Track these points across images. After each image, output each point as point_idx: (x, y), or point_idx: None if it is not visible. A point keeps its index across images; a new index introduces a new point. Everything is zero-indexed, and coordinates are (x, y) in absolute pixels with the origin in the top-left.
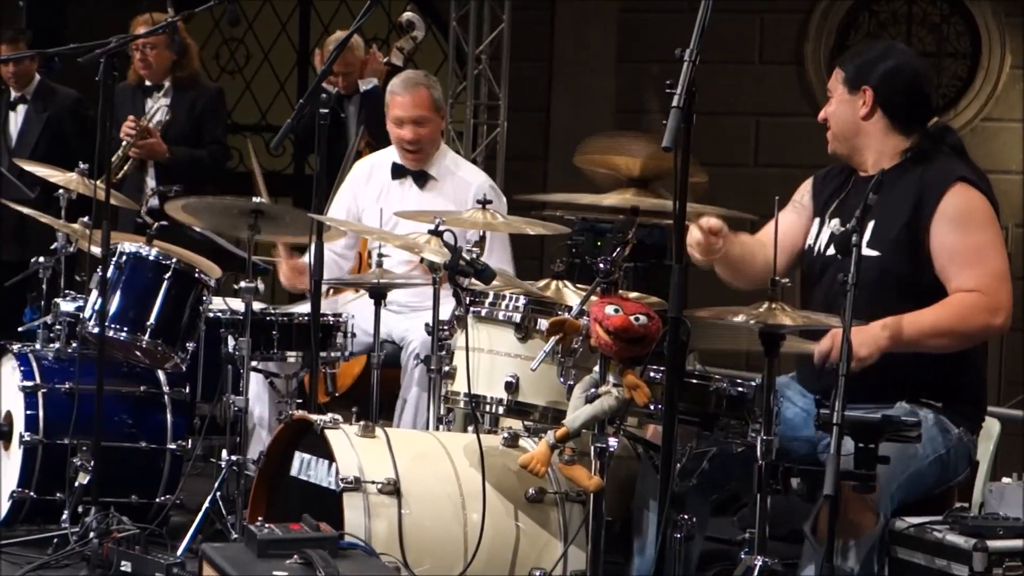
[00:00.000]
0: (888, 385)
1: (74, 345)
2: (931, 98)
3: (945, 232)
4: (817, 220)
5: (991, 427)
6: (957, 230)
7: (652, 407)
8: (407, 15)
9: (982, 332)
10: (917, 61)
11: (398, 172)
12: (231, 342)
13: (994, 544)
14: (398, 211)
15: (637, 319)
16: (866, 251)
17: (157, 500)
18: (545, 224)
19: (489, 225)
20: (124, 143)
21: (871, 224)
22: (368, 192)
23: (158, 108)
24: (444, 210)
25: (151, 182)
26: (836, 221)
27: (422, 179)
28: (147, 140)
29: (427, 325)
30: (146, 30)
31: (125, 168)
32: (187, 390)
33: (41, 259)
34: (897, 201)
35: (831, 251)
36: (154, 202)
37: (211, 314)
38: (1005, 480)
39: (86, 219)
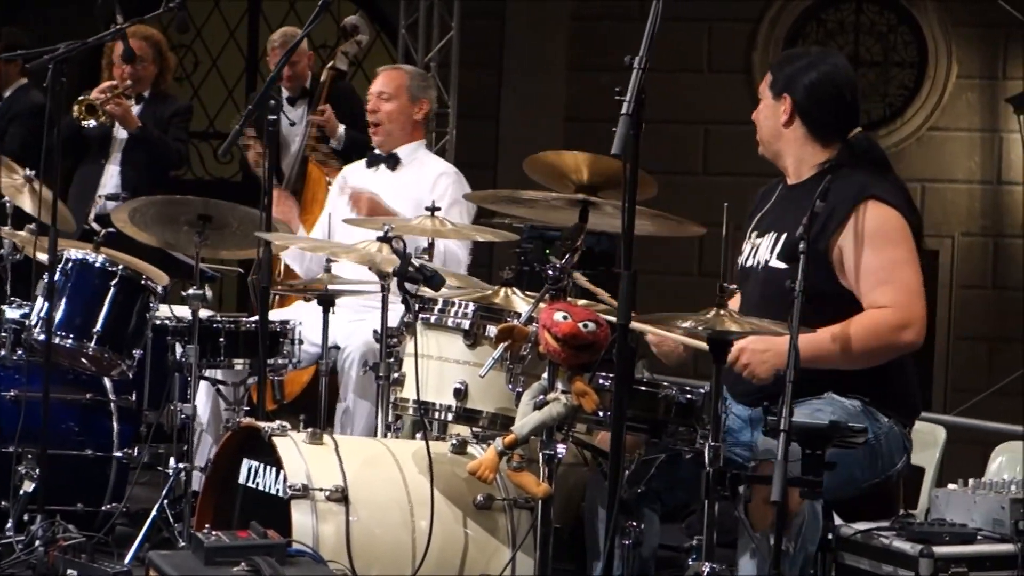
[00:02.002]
0: (815, 380)
1: (19, 352)
2: (853, 112)
3: (857, 250)
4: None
5: (937, 434)
6: (868, 248)
7: (600, 414)
8: (351, 19)
9: (893, 348)
10: (842, 73)
11: (373, 160)
12: (178, 349)
13: (940, 550)
14: (346, 218)
15: (586, 326)
16: (774, 263)
17: (103, 508)
18: (494, 231)
19: (438, 232)
20: (99, 99)
21: (781, 237)
22: (342, 200)
23: None
24: (409, 194)
25: (112, 176)
26: (755, 233)
27: (392, 162)
28: (124, 103)
29: (375, 332)
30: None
31: (99, 119)
32: (134, 398)
33: None
34: (796, 213)
35: (750, 262)
36: (102, 208)
37: (158, 321)
38: (951, 486)
39: (32, 225)
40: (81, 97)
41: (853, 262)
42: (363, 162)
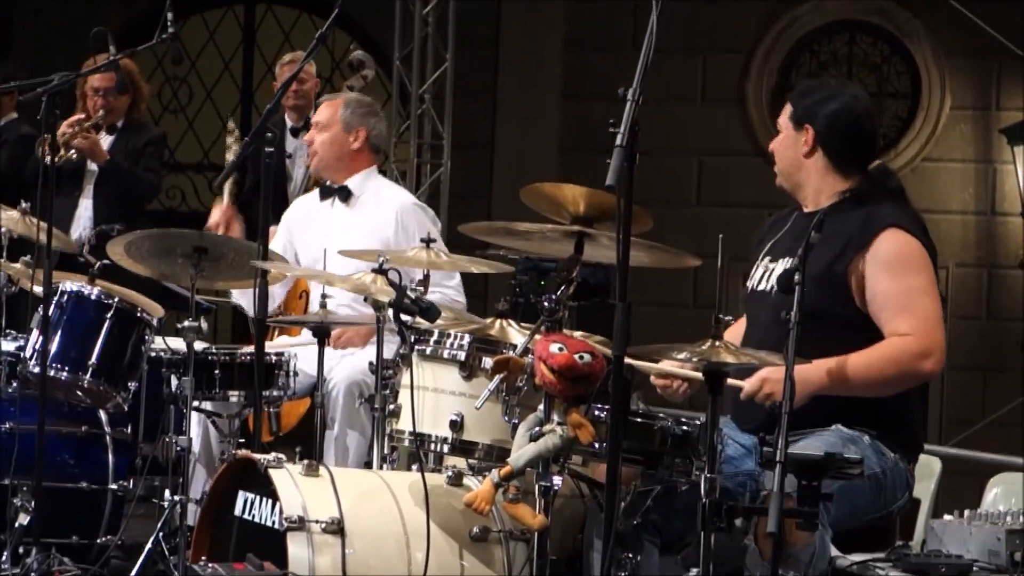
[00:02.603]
0: (823, 412)
1: (14, 385)
2: (873, 142)
3: (879, 278)
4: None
5: (932, 465)
6: (890, 275)
7: (596, 446)
8: (358, 53)
9: (914, 376)
10: (863, 104)
11: (325, 193)
12: (173, 381)
13: None
14: (342, 250)
15: (582, 357)
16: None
17: (99, 541)
18: (489, 263)
19: (433, 264)
20: (67, 133)
21: (785, 261)
22: (305, 232)
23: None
24: (361, 226)
25: (85, 209)
26: (768, 258)
27: (344, 194)
28: (91, 136)
29: (370, 363)
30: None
31: (65, 155)
32: (129, 430)
33: None
34: (827, 240)
35: (762, 286)
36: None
37: (153, 353)
38: (947, 517)
39: (27, 258)
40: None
41: (873, 289)
42: (315, 194)
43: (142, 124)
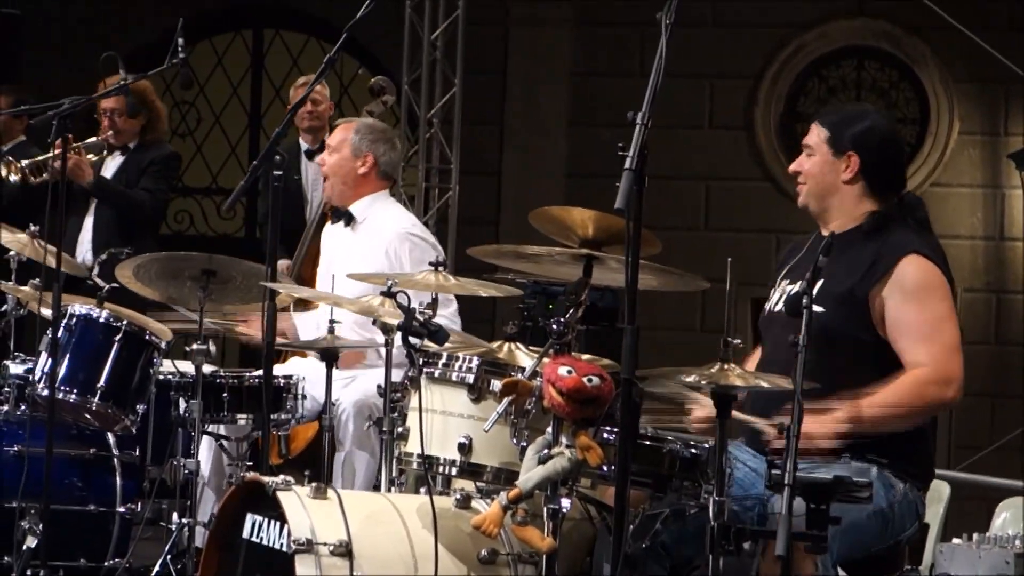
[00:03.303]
0: None
1: (23, 407)
2: (905, 168)
3: (899, 304)
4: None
5: (941, 490)
6: (911, 303)
7: (605, 468)
8: (379, 79)
9: (936, 406)
10: (896, 129)
11: (335, 216)
12: (182, 404)
13: None
14: (351, 273)
15: (590, 380)
16: (814, 308)
17: (106, 564)
18: (497, 286)
19: (442, 287)
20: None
21: (820, 281)
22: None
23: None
24: (362, 251)
25: (87, 231)
26: (786, 281)
27: (348, 219)
28: (74, 156)
29: (379, 386)
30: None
31: (41, 176)
32: (137, 453)
33: None
34: (850, 261)
35: (778, 307)
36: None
37: (161, 376)
38: (956, 541)
39: (36, 281)
40: (9, 158)
41: (893, 316)
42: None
43: (154, 144)
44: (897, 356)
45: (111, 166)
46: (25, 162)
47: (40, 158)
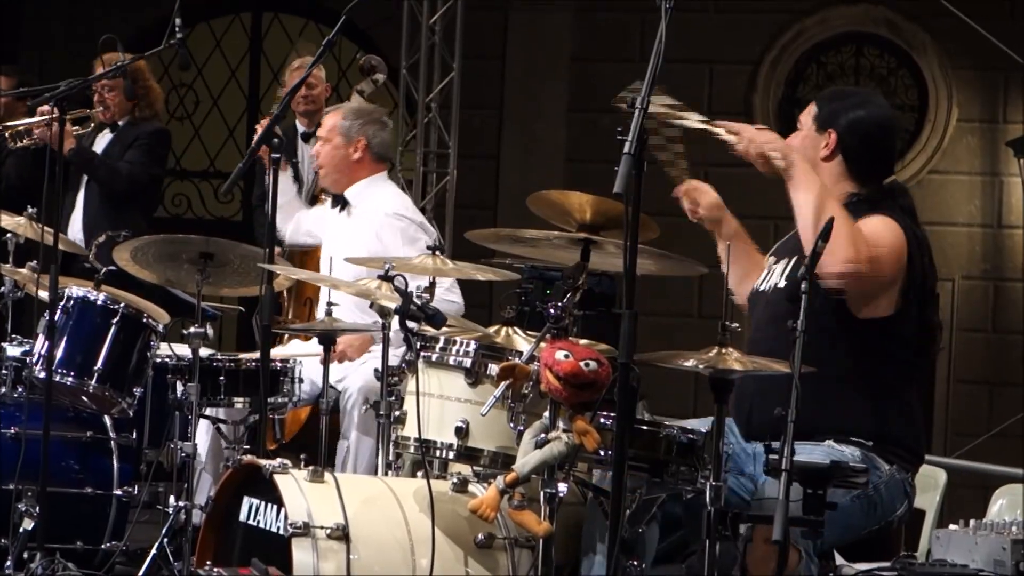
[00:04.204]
0: (816, 425)
1: (20, 390)
2: (892, 156)
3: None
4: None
5: (938, 477)
6: (865, 226)
7: (602, 453)
8: (370, 57)
9: (840, 253)
10: (889, 117)
11: (334, 200)
12: (179, 387)
13: None
14: (348, 257)
15: (587, 364)
16: (782, 282)
17: (103, 546)
18: (495, 271)
19: (439, 271)
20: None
21: (793, 260)
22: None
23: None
24: (355, 235)
25: (78, 209)
26: (772, 259)
27: (343, 204)
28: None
29: (376, 370)
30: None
31: (21, 142)
32: (134, 436)
33: None
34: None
35: (763, 287)
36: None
37: (159, 359)
38: (952, 527)
39: (34, 263)
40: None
41: None
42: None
43: (144, 122)
44: (873, 343)
45: (101, 143)
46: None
47: (21, 123)
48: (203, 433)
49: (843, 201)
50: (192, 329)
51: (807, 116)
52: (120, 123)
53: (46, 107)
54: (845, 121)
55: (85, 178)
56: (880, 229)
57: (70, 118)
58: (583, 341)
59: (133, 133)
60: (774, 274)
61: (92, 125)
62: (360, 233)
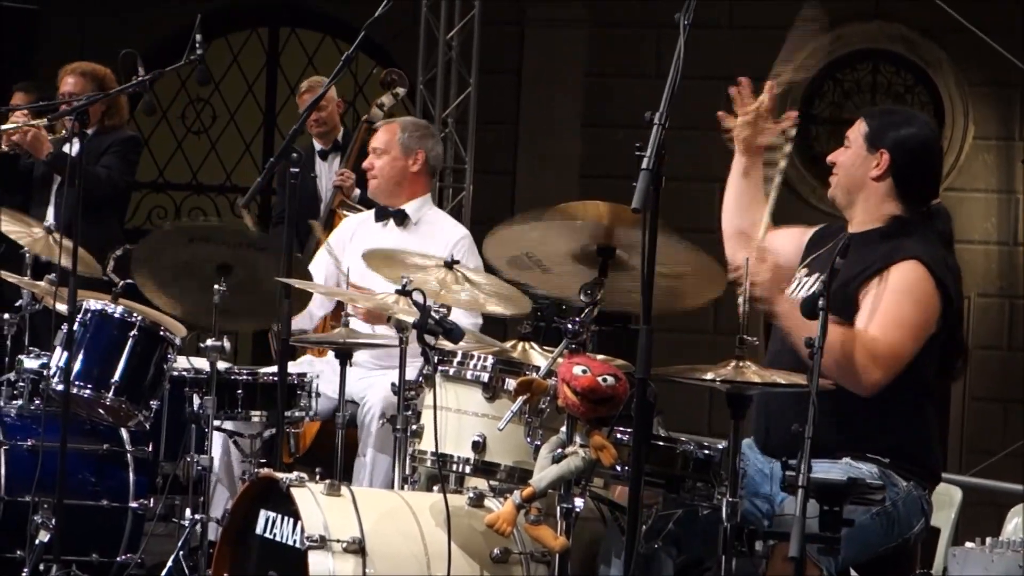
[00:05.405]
0: (833, 442)
1: (37, 402)
2: (938, 179)
3: (876, 293)
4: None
5: (953, 495)
6: (891, 294)
7: (618, 468)
8: (391, 71)
9: (851, 371)
10: (938, 139)
11: (381, 215)
12: (195, 401)
13: None
14: (369, 249)
15: (605, 379)
16: None
17: (119, 559)
18: (511, 286)
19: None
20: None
21: (818, 277)
22: (353, 249)
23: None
24: (422, 251)
25: (50, 216)
26: (804, 271)
27: (400, 218)
28: (32, 130)
29: (393, 384)
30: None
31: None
32: (150, 448)
33: (6, 316)
34: (859, 261)
35: (792, 298)
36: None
37: (175, 372)
38: (968, 545)
39: (52, 276)
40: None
41: (870, 296)
42: (368, 215)
43: (112, 130)
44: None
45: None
46: None
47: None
48: (219, 446)
49: (883, 223)
50: (209, 342)
51: (856, 134)
52: (88, 132)
53: (19, 113)
54: (899, 142)
55: (57, 184)
56: (904, 301)
57: (41, 126)
58: (599, 358)
59: (104, 142)
60: (805, 287)
61: (63, 132)
62: (429, 249)
